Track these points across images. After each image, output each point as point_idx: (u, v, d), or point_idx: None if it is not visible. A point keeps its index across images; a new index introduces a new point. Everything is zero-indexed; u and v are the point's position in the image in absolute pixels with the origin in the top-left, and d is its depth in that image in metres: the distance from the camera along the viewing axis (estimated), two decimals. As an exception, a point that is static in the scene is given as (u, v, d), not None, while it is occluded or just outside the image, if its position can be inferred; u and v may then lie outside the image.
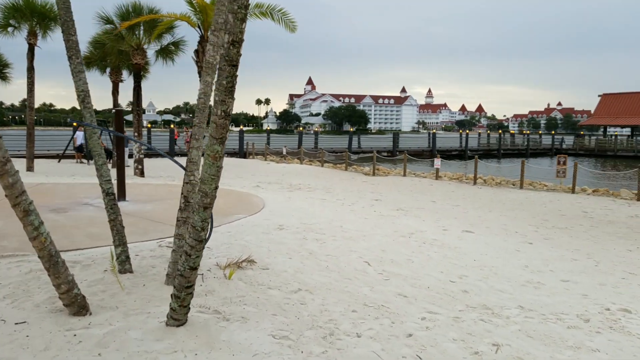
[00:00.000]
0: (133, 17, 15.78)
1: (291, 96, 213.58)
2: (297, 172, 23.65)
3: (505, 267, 7.21)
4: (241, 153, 33.67)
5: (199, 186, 3.79)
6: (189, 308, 4.00)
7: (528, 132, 61.55)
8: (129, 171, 19.55)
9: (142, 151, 18.24)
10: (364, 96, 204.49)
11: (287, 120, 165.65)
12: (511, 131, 57.87)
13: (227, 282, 5.56)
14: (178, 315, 3.95)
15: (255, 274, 5.95)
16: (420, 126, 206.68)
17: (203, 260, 6.19)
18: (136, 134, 17.95)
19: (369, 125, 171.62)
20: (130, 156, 28.78)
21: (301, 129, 60.71)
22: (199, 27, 6.09)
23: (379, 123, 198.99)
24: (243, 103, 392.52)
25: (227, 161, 30.24)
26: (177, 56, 18.06)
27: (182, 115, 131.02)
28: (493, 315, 4.97)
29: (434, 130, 50.10)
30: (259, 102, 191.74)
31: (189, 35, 19.00)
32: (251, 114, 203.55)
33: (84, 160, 23.81)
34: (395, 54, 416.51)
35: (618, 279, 6.91)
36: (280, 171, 24.10)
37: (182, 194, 5.55)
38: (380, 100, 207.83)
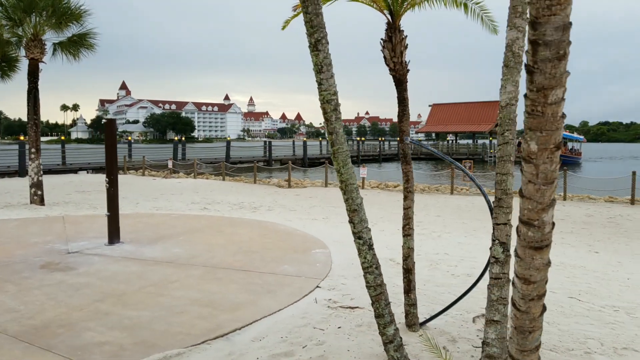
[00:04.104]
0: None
1: (102, 102, 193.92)
2: (211, 189, 20.95)
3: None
4: (109, 168, 28.70)
5: None
6: None
7: (382, 139, 65.98)
8: (24, 199, 14.91)
9: (41, 171, 13.99)
10: (186, 103, 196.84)
11: (101, 129, 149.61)
12: (362, 138, 61.43)
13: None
14: None
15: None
16: (246, 134, 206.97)
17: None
18: (33, 149, 13.69)
19: (194, 133, 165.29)
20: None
21: (129, 138, 55.15)
22: (389, 10, 4.53)
23: (204, 131, 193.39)
24: (43, 109, 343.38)
25: (103, 178, 25.36)
26: (90, 51, 14.34)
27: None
28: None
29: (305, 139, 50.22)
30: (65, 108, 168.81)
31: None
32: (54, 122, 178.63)
33: None
34: (216, 61, 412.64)
35: None
36: (190, 188, 21.03)
37: (494, 239, 3.93)
38: (204, 108, 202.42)
